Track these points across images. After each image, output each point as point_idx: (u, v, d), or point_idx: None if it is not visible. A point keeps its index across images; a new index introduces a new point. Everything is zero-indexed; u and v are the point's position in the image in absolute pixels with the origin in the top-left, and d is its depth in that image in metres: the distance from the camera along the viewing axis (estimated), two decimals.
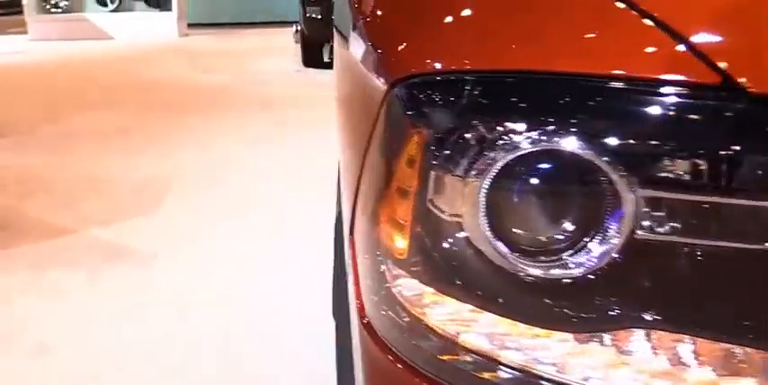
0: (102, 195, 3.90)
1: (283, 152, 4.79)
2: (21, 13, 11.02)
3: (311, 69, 8.14)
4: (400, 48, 0.74)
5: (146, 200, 3.82)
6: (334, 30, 1.49)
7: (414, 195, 0.68)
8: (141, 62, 8.80)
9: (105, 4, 11.05)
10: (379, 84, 0.75)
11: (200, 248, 3.20)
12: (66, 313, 2.65)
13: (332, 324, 2.55)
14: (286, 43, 10.33)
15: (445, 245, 0.66)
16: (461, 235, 0.65)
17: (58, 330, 2.54)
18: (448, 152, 0.64)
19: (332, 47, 7.90)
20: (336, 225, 1.71)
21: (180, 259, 3.09)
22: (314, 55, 8.23)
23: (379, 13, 0.90)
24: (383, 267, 0.74)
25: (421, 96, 0.67)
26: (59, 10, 10.94)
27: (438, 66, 0.67)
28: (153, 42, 10.32)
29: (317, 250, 3.16)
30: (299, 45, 9.00)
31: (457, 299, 0.67)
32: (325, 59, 8.49)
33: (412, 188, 0.68)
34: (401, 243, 0.70)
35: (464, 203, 0.64)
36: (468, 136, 0.63)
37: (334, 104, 5.19)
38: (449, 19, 0.73)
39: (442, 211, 0.66)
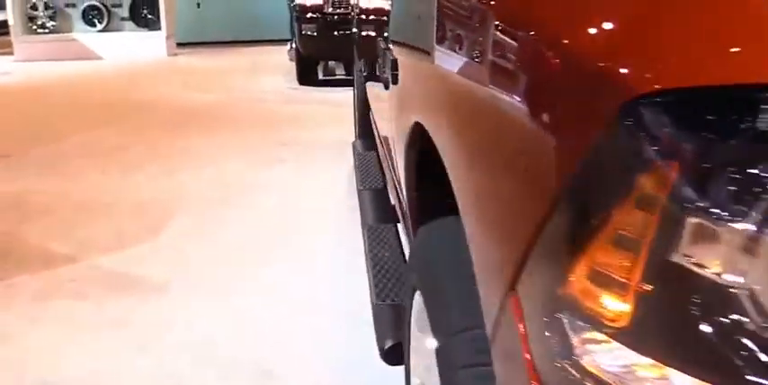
0: (103, 219, 3.72)
1: (287, 171, 4.63)
2: (7, 34, 10.83)
3: (307, 87, 8.01)
4: (632, 58, 0.55)
5: (149, 223, 3.64)
6: (402, 48, 1.32)
7: (648, 246, 0.52)
8: (133, 82, 8.62)
9: (93, 24, 10.87)
10: (569, 107, 0.59)
11: (210, 274, 3.03)
12: (75, 347, 2.47)
13: (342, 334, 2.41)
14: (278, 61, 10.20)
15: (706, 311, 0.50)
16: (740, 300, 0.49)
17: (65, 367, 2.36)
18: (730, 195, 0.48)
19: (326, 65, 7.76)
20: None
21: (191, 286, 2.91)
22: (310, 72, 8.10)
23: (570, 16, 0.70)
24: (569, 330, 0.59)
25: (675, 119, 0.50)
26: (46, 30, 10.75)
27: (707, 78, 0.50)
28: (142, 62, 10.15)
29: (330, 269, 3.02)
30: (293, 63, 8.87)
31: (700, 377, 0.51)
32: (320, 77, 8.37)
33: (645, 237, 0.52)
34: (614, 303, 0.55)
35: (753, 263, 0.48)
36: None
37: (338, 122, 5.10)
38: (704, 14, 0.56)
39: (705, 268, 0.50)
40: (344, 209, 3.93)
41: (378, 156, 3.52)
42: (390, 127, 1.65)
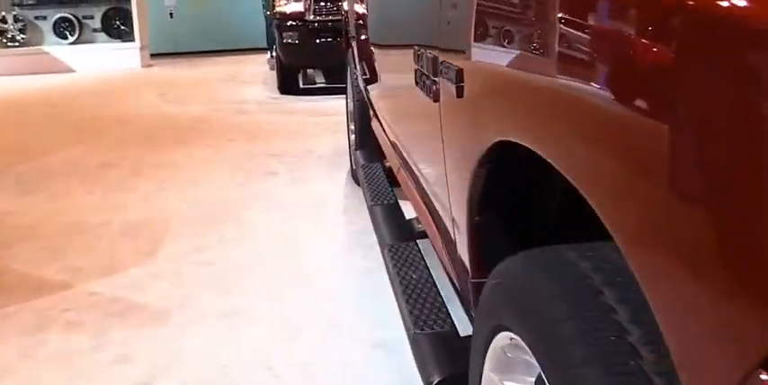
0: (92, 242, 3.52)
1: (280, 185, 4.45)
2: None
3: (288, 96, 7.82)
4: None
5: (143, 246, 3.45)
6: (474, 56, 1.14)
7: None
8: (108, 95, 8.39)
9: (65, 37, 10.60)
10: None
11: (212, 300, 2.85)
12: None
13: (371, 367, 2.23)
14: (255, 70, 10.02)
15: None
16: None
17: None
18: None
19: (305, 73, 7.59)
20: None
21: (193, 314, 2.73)
22: (291, 81, 7.93)
23: None
24: None
25: None
26: (16, 44, 10.47)
27: None
28: (117, 74, 9.91)
29: (341, 291, 2.86)
30: (271, 72, 8.70)
31: None
32: (301, 86, 8.21)
33: None
34: None
35: None
36: None
37: (326, 131, 4.95)
38: None
39: None
40: (346, 223, 3.78)
41: (382, 166, 3.36)
42: (432, 141, 1.49)
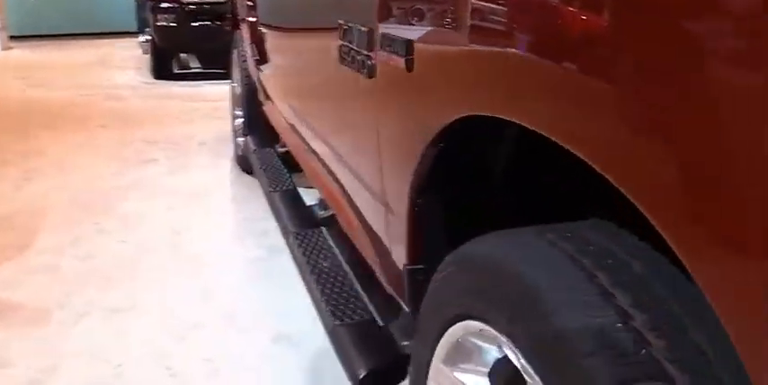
0: None
1: (161, 172, 4.24)
2: None
3: (163, 81, 7.51)
4: None
5: (15, 239, 3.18)
6: (429, 29, 1.04)
7: None
8: None
9: None
10: None
11: (95, 296, 2.65)
12: None
13: (275, 361, 2.10)
14: (126, 54, 9.59)
15: None
16: None
17: None
18: None
19: (179, 57, 7.27)
20: None
21: (76, 313, 2.53)
22: (167, 66, 7.61)
23: None
24: None
25: None
26: None
27: None
28: None
29: (234, 282, 2.72)
30: (145, 56, 8.32)
31: None
32: (175, 71, 7.91)
33: None
34: None
35: None
36: None
37: (206, 117, 4.75)
38: None
39: None
40: (234, 211, 3.65)
41: (275, 151, 3.23)
42: (361, 120, 1.39)
